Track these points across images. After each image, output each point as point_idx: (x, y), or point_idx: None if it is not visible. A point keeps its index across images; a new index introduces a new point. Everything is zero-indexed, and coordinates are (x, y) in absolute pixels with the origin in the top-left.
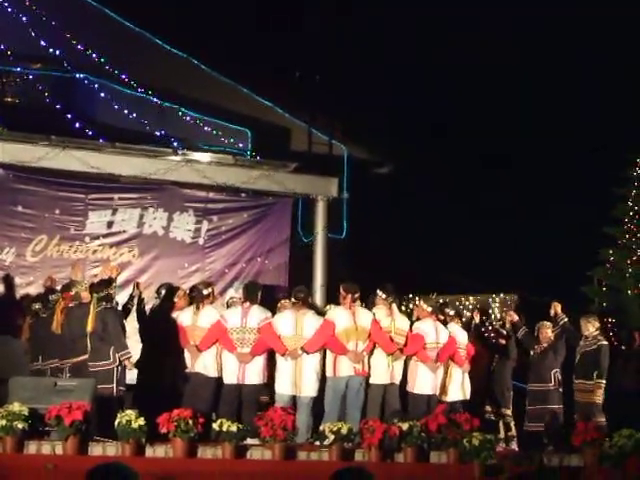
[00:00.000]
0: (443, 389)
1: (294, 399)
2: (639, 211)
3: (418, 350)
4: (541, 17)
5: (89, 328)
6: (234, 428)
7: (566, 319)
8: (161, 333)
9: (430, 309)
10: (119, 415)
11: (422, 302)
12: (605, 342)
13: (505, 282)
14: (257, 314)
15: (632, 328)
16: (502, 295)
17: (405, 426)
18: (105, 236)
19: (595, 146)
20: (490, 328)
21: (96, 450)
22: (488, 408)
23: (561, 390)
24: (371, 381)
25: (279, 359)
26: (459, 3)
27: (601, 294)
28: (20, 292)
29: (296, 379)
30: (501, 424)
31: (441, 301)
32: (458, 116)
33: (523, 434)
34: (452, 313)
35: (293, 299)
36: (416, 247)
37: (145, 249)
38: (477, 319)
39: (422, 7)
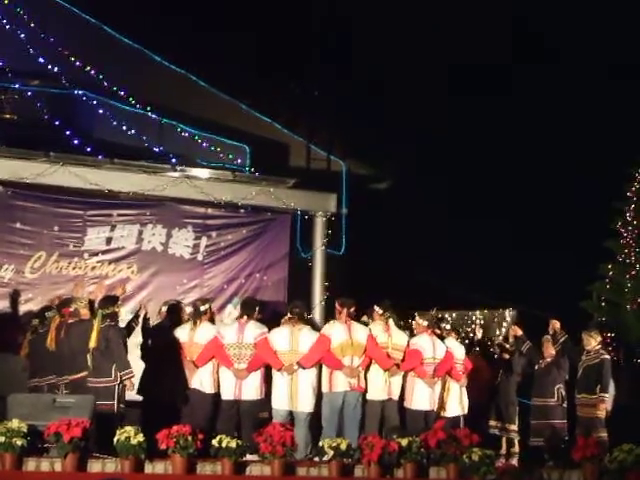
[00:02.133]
0: (442, 404)
1: (291, 414)
2: (638, 225)
3: (416, 366)
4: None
5: (92, 344)
6: (233, 444)
7: (566, 336)
8: (162, 350)
9: (426, 323)
10: (118, 431)
11: (418, 317)
12: (607, 356)
13: (505, 297)
14: (253, 329)
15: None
16: (501, 310)
17: (404, 442)
18: (104, 252)
19: (593, 160)
20: (494, 343)
21: (95, 467)
22: (493, 423)
23: (565, 405)
24: (368, 397)
25: (275, 374)
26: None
27: (600, 309)
28: (19, 309)
29: (292, 394)
30: (504, 440)
31: (439, 316)
32: (457, 132)
33: (528, 449)
34: (448, 327)
35: (289, 314)
36: (415, 263)
37: (144, 265)
38: (479, 334)
39: (426, 22)
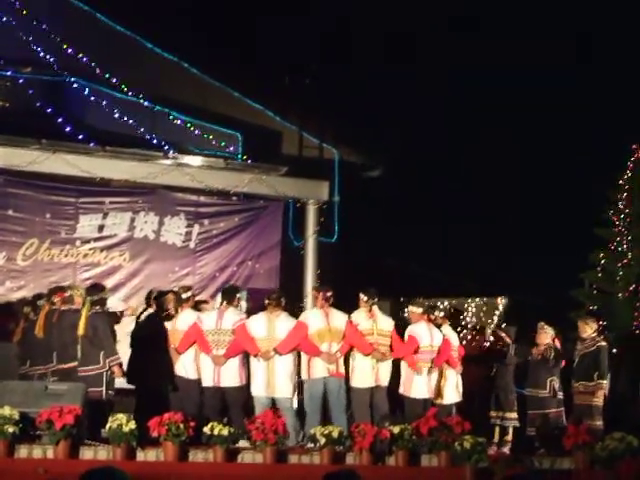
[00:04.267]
0: (439, 392)
1: (273, 402)
2: (630, 213)
3: (409, 353)
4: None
5: (80, 331)
6: (225, 432)
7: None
8: (149, 339)
9: (421, 310)
10: (110, 419)
11: (412, 305)
12: (604, 343)
13: (496, 285)
14: (232, 316)
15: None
16: (493, 298)
17: (396, 429)
18: (96, 240)
19: (586, 148)
20: (486, 331)
21: (87, 454)
22: (493, 414)
23: (559, 397)
24: (356, 385)
25: (253, 361)
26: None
27: (592, 297)
28: (11, 296)
29: (269, 381)
30: (497, 428)
31: (431, 303)
32: (448, 119)
33: (521, 438)
34: (442, 315)
35: (267, 301)
36: (407, 250)
37: (136, 253)
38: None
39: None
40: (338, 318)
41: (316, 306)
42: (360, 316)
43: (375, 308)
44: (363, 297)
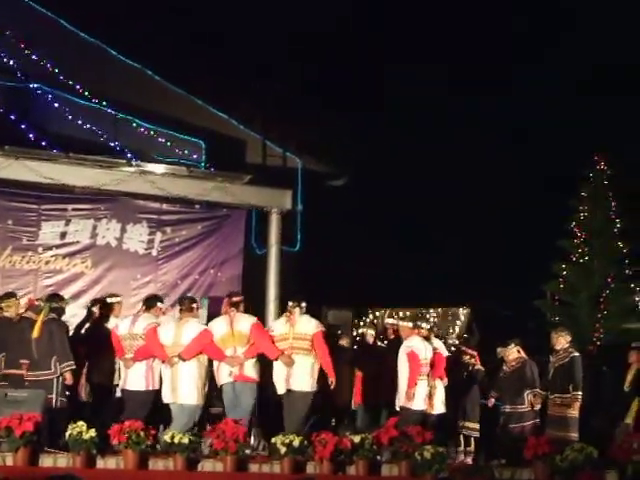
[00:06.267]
0: (430, 403)
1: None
2: (592, 225)
3: (413, 369)
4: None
5: (35, 334)
6: (185, 440)
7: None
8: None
9: (411, 325)
10: (70, 426)
11: (401, 321)
12: (577, 353)
13: (458, 294)
14: (144, 321)
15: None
16: (455, 308)
17: (357, 439)
18: (58, 247)
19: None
20: (447, 341)
21: (47, 461)
22: (461, 423)
23: (537, 409)
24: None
25: (162, 368)
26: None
27: (554, 308)
28: None
29: (174, 387)
30: (462, 437)
31: (408, 314)
32: (416, 125)
33: (483, 448)
34: (428, 327)
35: (179, 307)
36: (370, 260)
37: (98, 260)
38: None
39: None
40: (243, 322)
41: (223, 312)
42: (279, 321)
43: (297, 312)
44: (289, 302)
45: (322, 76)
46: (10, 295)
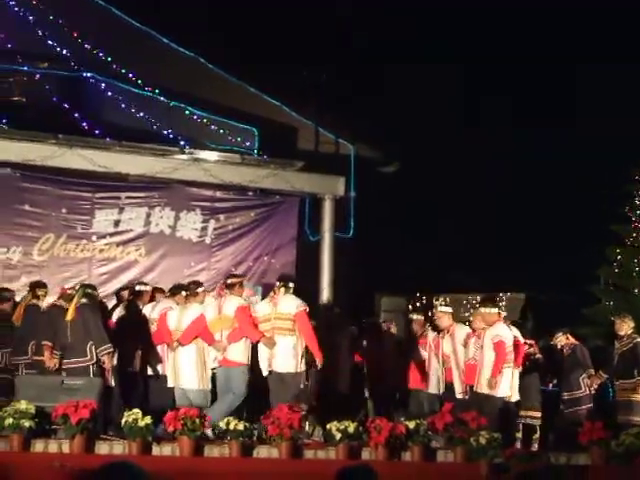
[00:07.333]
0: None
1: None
2: None
3: (503, 355)
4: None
5: (69, 317)
6: (241, 426)
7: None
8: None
9: (497, 311)
10: (125, 414)
11: (485, 307)
12: None
13: (511, 281)
14: (160, 306)
15: None
16: (509, 294)
17: (412, 425)
18: (112, 235)
19: (604, 143)
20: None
21: (103, 449)
22: (522, 413)
23: (592, 391)
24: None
25: (168, 352)
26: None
27: (608, 293)
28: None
29: (176, 372)
30: (521, 426)
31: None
32: (465, 113)
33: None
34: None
35: (183, 293)
36: (423, 246)
37: (152, 248)
38: None
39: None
40: (229, 305)
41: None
42: (263, 302)
43: (282, 292)
44: (276, 284)
45: (374, 61)
46: (44, 285)
